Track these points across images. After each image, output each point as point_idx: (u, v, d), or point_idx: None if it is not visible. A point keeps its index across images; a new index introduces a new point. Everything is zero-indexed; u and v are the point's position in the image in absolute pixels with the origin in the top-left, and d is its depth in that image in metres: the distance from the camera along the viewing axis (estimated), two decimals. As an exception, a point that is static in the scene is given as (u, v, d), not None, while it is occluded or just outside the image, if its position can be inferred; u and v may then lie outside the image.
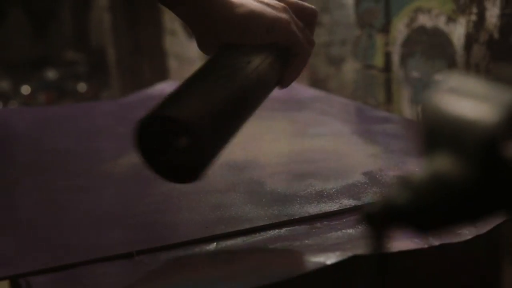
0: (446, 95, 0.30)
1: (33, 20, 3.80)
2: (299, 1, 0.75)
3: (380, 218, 0.28)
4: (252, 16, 0.68)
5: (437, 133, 0.29)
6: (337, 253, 0.59)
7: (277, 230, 0.68)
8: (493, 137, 0.27)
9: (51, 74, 3.59)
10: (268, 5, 0.70)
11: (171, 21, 2.31)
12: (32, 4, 3.81)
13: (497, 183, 0.28)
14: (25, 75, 3.55)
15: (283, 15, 0.70)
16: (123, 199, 0.79)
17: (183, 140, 0.59)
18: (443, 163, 0.29)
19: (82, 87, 3.53)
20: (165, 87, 1.40)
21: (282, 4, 0.71)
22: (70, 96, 3.39)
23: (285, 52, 0.71)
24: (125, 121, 1.16)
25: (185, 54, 2.25)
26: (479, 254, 0.64)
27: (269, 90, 0.71)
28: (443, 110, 0.29)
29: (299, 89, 1.35)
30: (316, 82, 1.80)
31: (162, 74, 2.49)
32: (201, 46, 0.71)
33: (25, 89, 3.44)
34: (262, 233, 0.67)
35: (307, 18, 0.74)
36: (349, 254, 0.59)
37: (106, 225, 0.71)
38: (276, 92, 1.31)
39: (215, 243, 0.66)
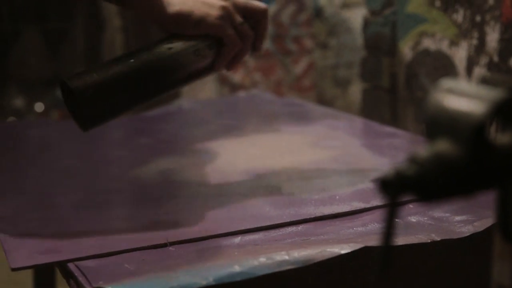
0: (445, 93, 0.38)
1: (47, 40, 3.89)
2: (248, 1, 0.89)
3: (392, 185, 0.36)
4: (181, 13, 0.84)
5: (438, 122, 0.37)
6: (350, 244, 0.67)
7: (294, 227, 0.76)
8: (481, 126, 0.36)
9: (64, 92, 3.67)
10: (204, 3, 0.86)
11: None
12: (46, 24, 3.90)
13: (484, 161, 0.36)
14: (39, 93, 3.64)
15: (215, 12, 0.85)
16: (154, 199, 0.86)
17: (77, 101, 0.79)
18: (442, 146, 0.37)
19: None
20: (183, 103, 1.48)
21: (221, 2, 0.86)
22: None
23: (220, 42, 0.87)
24: (146, 133, 1.24)
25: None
26: (475, 250, 0.72)
27: (195, 71, 0.86)
28: (443, 105, 0.37)
29: (310, 106, 1.43)
30: (323, 103, 1.87)
31: (174, 94, 2.55)
32: (161, 31, 0.87)
33: (39, 107, 3.53)
34: (281, 229, 0.75)
35: (256, 16, 0.89)
36: (360, 245, 0.66)
37: (141, 220, 0.79)
38: (288, 108, 1.39)
39: (239, 237, 0.73)
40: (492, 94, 0.36)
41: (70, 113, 0.82)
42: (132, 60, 0.81)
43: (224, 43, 0.86)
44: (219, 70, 0.88)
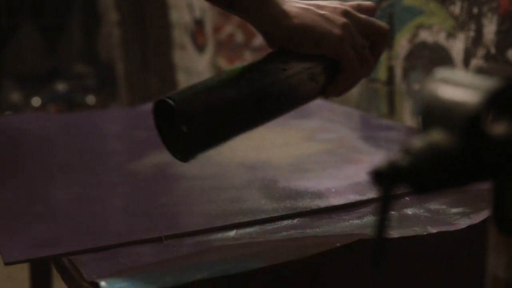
0: (439, 83, 0.38)
1: (43, 34, 3.88)
2: (370, 19, 0.77)
3: (386, 176, 0.36)
4: (301, 28, 0.72)
5: (433, 112, 0.37)
6: (346, 237, 0.66)
7: (290, 220, 0.75)
8: (476, 115, 0.35)
9: (61, 86, 3.68)
10: (326, 18, 0.73)
11: (180, 35, 2.38)
12: (43, 18, 3.90)
13: (479, 151, 0.36)
14: (36, 88, 3.64)
15: (337, 31, 0.73)
16: (149, 193, 0.86)
17: (182, 126, 0.67)
18: (437, 136, 0.36)
19: (91, 99, 3.61)
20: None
21: (343, 19, 0.74)
22: (79, 108, 3.47)
23: (336, 65, 0.75)
24: (141, 126, 1.24)
25: (194, 67, 2.31)
26: (472, 242, 0.71)
27: (306, 97, 0.75)
28: (437, 95, 0.37)
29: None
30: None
31: (170, 87, 2.55)
32: (268, 45, 0.76)
33: (36, 101, 3.53)
34: (277, 223, 0.75)
35: (375, 37, 0.77)
36: (356, 238, 0.66)
37: (136, 214, 0.78)
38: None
39: (234, 230, 0.73)
40: (487, 83, 0.36)
41: (163, 140, 0.71)
42: (244, 82, 0.70)
43: (342, 69, 0.75)
44: (330, 97, 0.77)
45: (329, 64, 0.74)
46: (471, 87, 0.36)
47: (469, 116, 0.35)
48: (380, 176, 0.36)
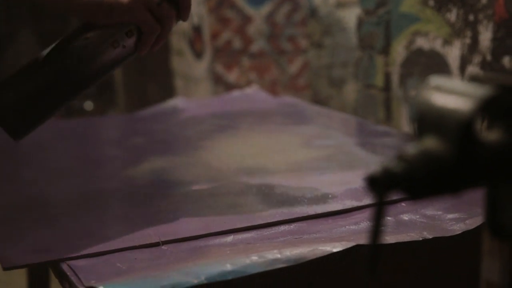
0: (433, 91, 0.38)
1: (41, 41, 3.88)
2: None
3: (380, 182, 0.37)
4: (89, 5, 0.78)
5: (426, 119, 0.38)
6: (342, 243, 0.67)
7: (287, 226, 0.76)
8: (468, 123, 0.36)
9: (58, 92, 3.66)
10: None
11: (178, 41, 2.38)
12: (41, 25, 3.90)
13: (472, 158, 0.37)
14: (34, 93, 3.62)
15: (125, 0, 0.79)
16: (147, 198, 0.86)
17: None
18: (430, 143, 0.37)
19: (88, 105, 3.61)
20: (177, 103, 1.48)
21: None
22: (77, 114, 3.47)
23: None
24: (140, 132, 1.24)
25: (192, 73, 2.32)
26: (467, 248, 0.72)
27: (116, 60, 0.82)
28: (430, 102, 0.38)
29: (304, 105, 1.44)
30: (318, 102, 1.87)
31: (168, 93, 2.55)
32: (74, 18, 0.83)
33: (34, 107, 3.52)
34: (274, 228, 0.75)
35: None
36: (352, 243, 0.67)
37: (134, 219, 0.79)
38: (282, 108, 1.39)
39: (232, 236, 0.73)
40: (480, 91, 0.36)
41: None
42: (46, 69, 0.78)
43: (142, 30, 0.81)
44: (142, 54, 0.84)
45: (131, 28, 0.81)
46: (464, 95, 0.37)
47: (462, 124, 0.36)
48: (374, 183, 0.37)
